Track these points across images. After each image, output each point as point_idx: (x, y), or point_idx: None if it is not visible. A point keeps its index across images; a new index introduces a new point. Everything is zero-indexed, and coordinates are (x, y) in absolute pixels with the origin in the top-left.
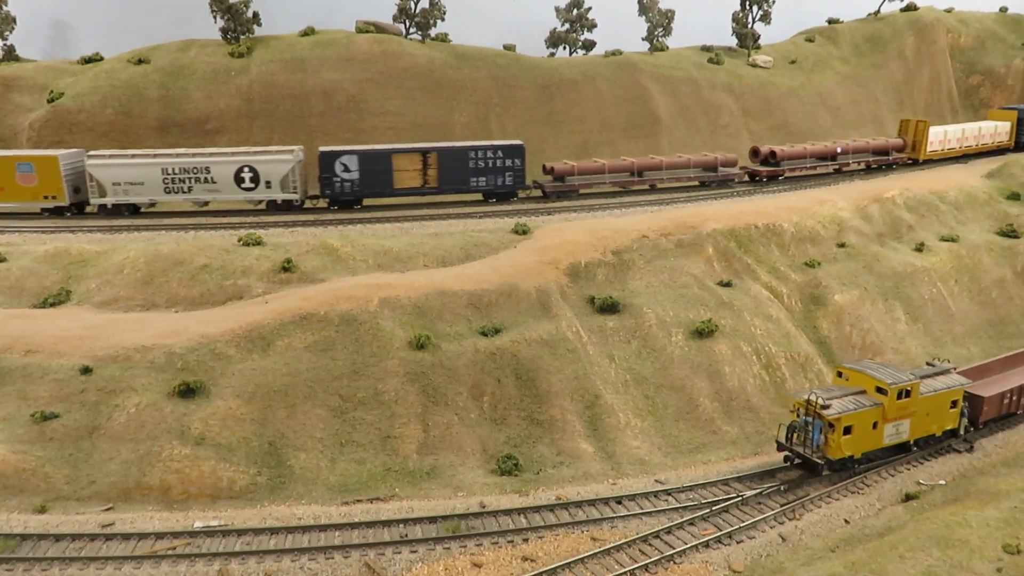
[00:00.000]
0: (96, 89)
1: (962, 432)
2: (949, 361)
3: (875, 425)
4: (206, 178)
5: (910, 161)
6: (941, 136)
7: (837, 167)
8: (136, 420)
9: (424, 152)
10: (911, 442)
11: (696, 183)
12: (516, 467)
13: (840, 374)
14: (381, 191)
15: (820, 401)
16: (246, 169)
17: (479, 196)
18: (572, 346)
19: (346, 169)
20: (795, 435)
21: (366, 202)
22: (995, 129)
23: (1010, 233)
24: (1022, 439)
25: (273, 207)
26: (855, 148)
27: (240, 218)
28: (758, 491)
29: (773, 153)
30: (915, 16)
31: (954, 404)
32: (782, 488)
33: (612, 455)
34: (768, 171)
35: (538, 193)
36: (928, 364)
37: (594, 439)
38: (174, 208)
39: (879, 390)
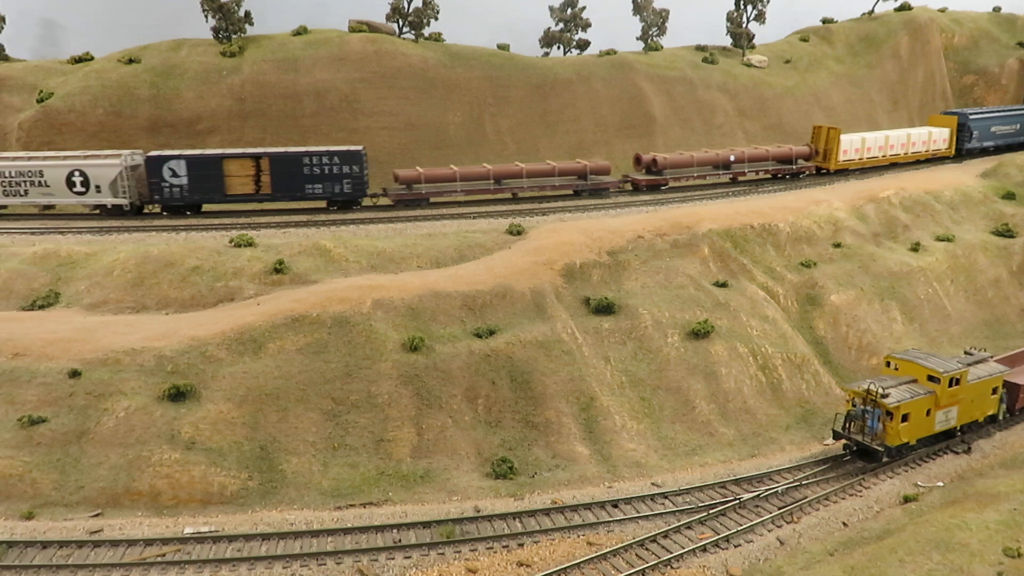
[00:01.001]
0: (86, 89)
1: (1001, 418)
2: (985, 350)
3: (928, 412)
4: (40, 181)
5: (821, 171)
6: (857, 144)
7: (732, 176)
8: (125, 424)
9: (256, 158)
10: (958, 428)
11: (565, 192)
12: (511, 470)
13: (889, 363)
14: (212, 197)
15: (879, 390)
16: (76, 173)
17: (322, 204)
18: (567, 348)
19: (174, 174)
20: (852, 424)
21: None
22: (929, 136)
23: (1005, 232)
24: (1020, 440)
25: (105, 212)
26: (752, 156)
27: (232, 219)
28: (755, 494)
29: (655, 161)
30: (909, 16)
31: (994, 391)
32: (780, 491)
33: (608, 458)
34: (647, 180)
35: (392, 201)
36: (966, 353)
37: (590, 442)
38: (17, 211)
39: (931, 378)
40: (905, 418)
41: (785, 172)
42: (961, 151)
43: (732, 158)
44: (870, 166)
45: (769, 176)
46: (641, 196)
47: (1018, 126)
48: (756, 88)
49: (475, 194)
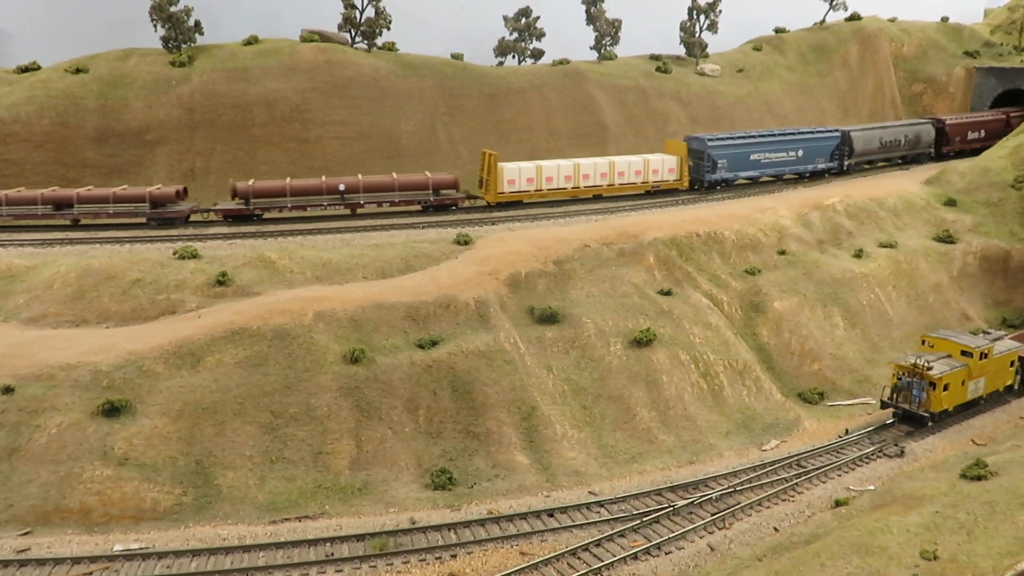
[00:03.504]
0: (32, 99)
1: (1017, 387)
2: (1000, 328)
3: (963, 383)
4: None
5: (473, 203)
6: (530, 173)
7: (350, 208)
8: (57, 441)
9: None
10: (983, 396)
11: (136, 221)
12: (450, 481)
13: (924, 342)
14: None
15: (926, 364)
16: None
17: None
18: (510, 357)
19: None
20: (899, 395)
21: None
22: (645, 165)
23: (946, 239)
24: (950, 444)
25: None
26: (371, 185)
27: (179, 230)
28: (689, 500)
29: (237, 188)
30: (859, 26)
31: (1012, 364)
32: (714, 497)
33: (548, 467)
34: (228, 211)
35: None
36: (984, 332)
37: (530, 451)
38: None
39: (964, 353)
40: (946, 388)
41: (426, 204)
42: (701, 183)
43: (342, 187)
44: (554, 199)
45: (397, 210)
46: (586, 206)
47: (800, 152)
48: (709, 97)
49: (26, 219)
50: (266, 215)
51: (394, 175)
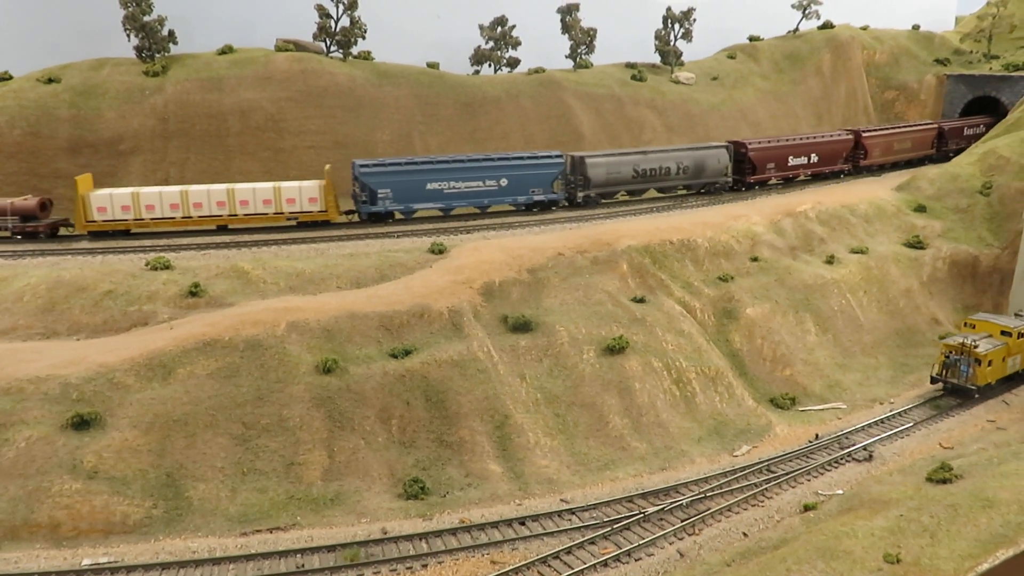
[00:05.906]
0: (3, 109)
1: None
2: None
3: (1003, 359)
4: None
5: (70, 231)
6: (125, 200)
7: None
8: (26, 455)
9: None
10: (1020, 370)
11: None
12: (423, 490)
13: (966, 323)
14: None
15: (973, 343)
16: None
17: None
18: (483, 366)
19: None
20: (948, 371)
21: None
22: (277, 193)
23: (916, 244)
24: (919, 446)
25: None
26: None
27: (152, 241)
28: (660, 507)
29: None
30: (832, 34)
31: None
32: (684, 503)
33: (520, 475)
34: None
35: None
36: (1016, 315)
37: (503, 459)
38: None
39: (1003, 333)
40: (990, 363)
41: (12, 231)
42: (361, 214)
43: None
44: (159, 230)
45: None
46: (567, 212)
47: (503, 181)
48: (684, 104)
49: None
50: None
51: None
